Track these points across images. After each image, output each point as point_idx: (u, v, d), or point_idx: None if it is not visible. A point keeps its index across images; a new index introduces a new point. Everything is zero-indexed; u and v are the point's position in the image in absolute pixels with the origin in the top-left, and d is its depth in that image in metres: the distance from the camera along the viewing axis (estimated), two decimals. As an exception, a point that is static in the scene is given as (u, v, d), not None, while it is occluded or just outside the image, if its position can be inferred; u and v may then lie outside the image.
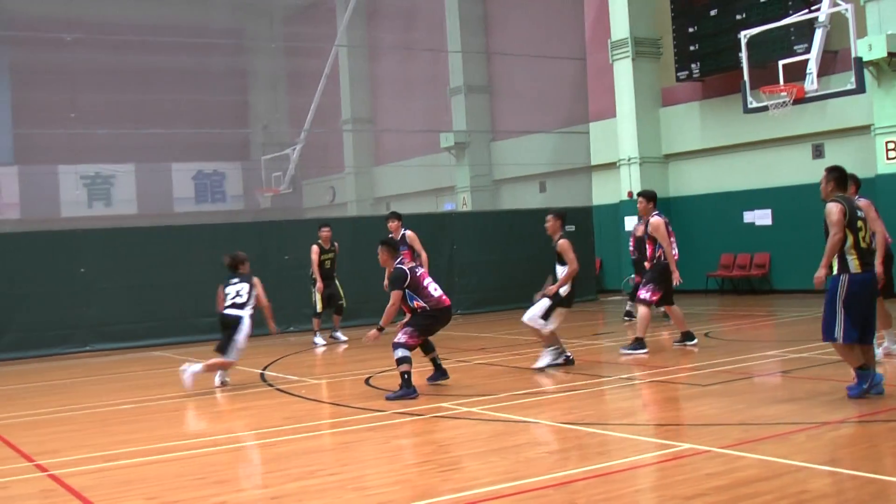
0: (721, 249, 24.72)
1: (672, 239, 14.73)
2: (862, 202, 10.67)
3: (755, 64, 20.97)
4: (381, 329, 11.81)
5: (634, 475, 7.25)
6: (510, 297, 22.88)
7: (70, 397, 13.28)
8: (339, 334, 18.97)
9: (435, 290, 11.99)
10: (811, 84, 19.20)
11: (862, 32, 20.11)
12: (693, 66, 24.71)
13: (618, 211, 26.82)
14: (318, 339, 18.61)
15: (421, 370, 12.50)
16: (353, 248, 22.12)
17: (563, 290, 12.88)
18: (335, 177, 41.22)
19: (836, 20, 19.75)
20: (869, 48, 19.88)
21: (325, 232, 18.88)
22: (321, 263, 18.72)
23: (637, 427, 9.11)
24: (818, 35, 19.59)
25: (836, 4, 19.17)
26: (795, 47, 21.21)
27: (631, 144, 26.36)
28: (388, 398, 11.07)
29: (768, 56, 21.36)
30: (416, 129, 35.20)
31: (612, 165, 27.20)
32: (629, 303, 18.66)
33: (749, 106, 20.47)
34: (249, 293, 13.68)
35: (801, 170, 23.14)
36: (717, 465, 7.26)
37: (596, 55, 27.92)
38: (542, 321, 12.81)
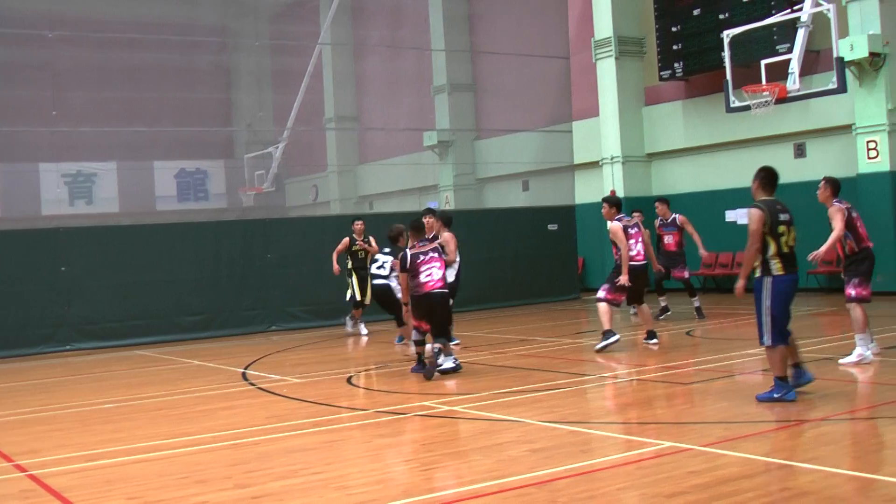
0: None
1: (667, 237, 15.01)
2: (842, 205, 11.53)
3: (738, 63, 21.05)
4: (405, 304, 13.01)
5: (616, 473, 7.26)
6: (494, 295, 22.92)
7: (51, 397, 13.23)
8: (362, 326, 19.45)
9: (426, 276, 12.45)
10: (793, 84, 19.28)
11: (844, 32, 20.20)
12: (676, 65, 24.76)
13: (601, 210, 26.77)
14: (362, 329, 19.32)
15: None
16: (336, 246, 22.12)
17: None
18: (318, 175, 41.14)
19: (819, 20, 19.83)
20: (850, 48, 19.96)
21: (358, 225, 19.19)
22: (354, 253, 18.93)
23: (619, 425, 9.13)
24: (800, 35, 19.66)
25: (818, 4, 19.25)
26: (778, 47, 21.27)
27: (614, 143, 26.39)
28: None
29: (751, 56, 21.44)
30: (400, 128, 35.17)
31: (595, 164, 27.23)
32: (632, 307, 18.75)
33: (732, 105, 20.53)
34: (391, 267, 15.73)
35: (783, 169, 22.91)
36: (699, 463, 7.28)
37: (579, 54, 27.95)
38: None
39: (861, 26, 20.46)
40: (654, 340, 14.65)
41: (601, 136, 26.81)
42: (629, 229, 14.79)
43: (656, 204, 19.38)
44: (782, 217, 9.53)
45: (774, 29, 21.31)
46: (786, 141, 23.25)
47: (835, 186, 12.12)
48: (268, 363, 15.58)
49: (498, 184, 32.08)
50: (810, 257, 11.64)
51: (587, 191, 27.73)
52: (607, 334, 14.23)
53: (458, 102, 33.43)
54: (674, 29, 24.74)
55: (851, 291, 11.74)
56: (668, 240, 18.81)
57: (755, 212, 9.49)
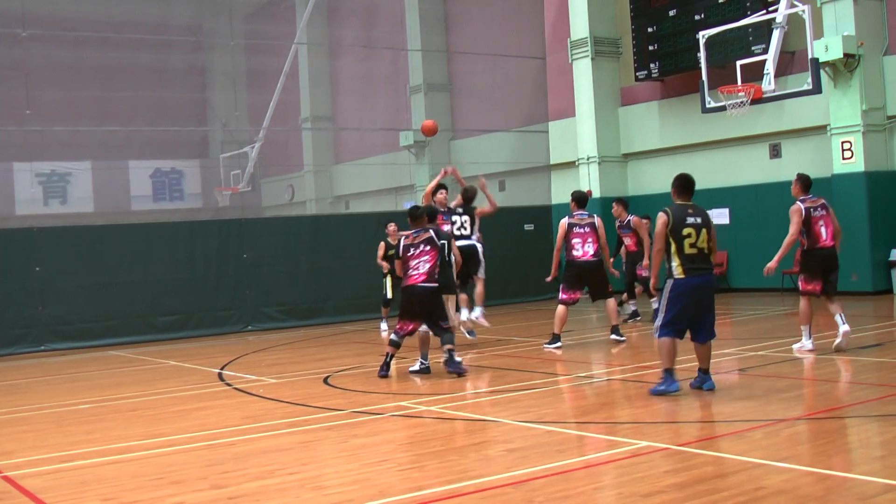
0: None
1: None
2: (816, 202, 12.32)
3: (714, 64, 21.13)
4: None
5: (593, 473, 7.27)
6: (469, 294, 22.89)
7: (25, 397, 13.14)
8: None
9: (413, 269, 12.39)
10: (769, 84, 19.35)
11: (819, 34, 20.30)
12: (652, 65, 24.82)
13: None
14: (384, 325, 19.55)
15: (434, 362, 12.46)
16: (312, 246, 22.11)
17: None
18: (294, 175, 41.07)
19: (794, 21, 19.94)
20: (825, 49, 20.06)
21: (391, 227, 19.51)
22: (390, 258, 18.83)
23: (595, 425, 9.14)
24: (775, 36, 19.74)
25: (793, 6, 19.34)
26: (753, 48, 21.36)
27: (590, 143, 26.44)
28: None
29: (727, 56, 21.53)
30: (376, 128, 35.15)
31: (571, 164, 27.27)
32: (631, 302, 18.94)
33: (707, 106, 20.60)
34: (472, 225, 16.12)
35: (759, 169, 23.32)
36: (675, 462, 7.30)
37: (556, 54, 27.99)
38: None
39: (836, 27, 20.58)
40: (621, 337, 15.02)
41: (577, 136, 26.85)
42: (575, 227, 14.88)
43: (613, 204, 19.44)
44: (689, 220, 9.99)
45: (750, 30, 21.40)
46: (761, 141, 23.35)
47: (804, 183, 12.79)
48: (244, 363, 15.53)
49: (474, 184, 32.03)
50: (764, 271, 12.47)
51: (563, 191, 27.71)
52: (555, 338, 14.84)
53: (433, 102, 33.43)
54: (649, 30, 24.81)
55: (799, 285, 12.79)
56: (627, 241, 18.94)
57: (661, 215, 10.10)
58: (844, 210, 19.51)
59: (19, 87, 30.63)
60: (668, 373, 10.07)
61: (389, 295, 19.22)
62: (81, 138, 34.77)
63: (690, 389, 10.27)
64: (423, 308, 12.45)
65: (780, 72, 20.30)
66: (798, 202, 12.60)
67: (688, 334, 10.27)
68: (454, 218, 16.07)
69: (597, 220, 14.95)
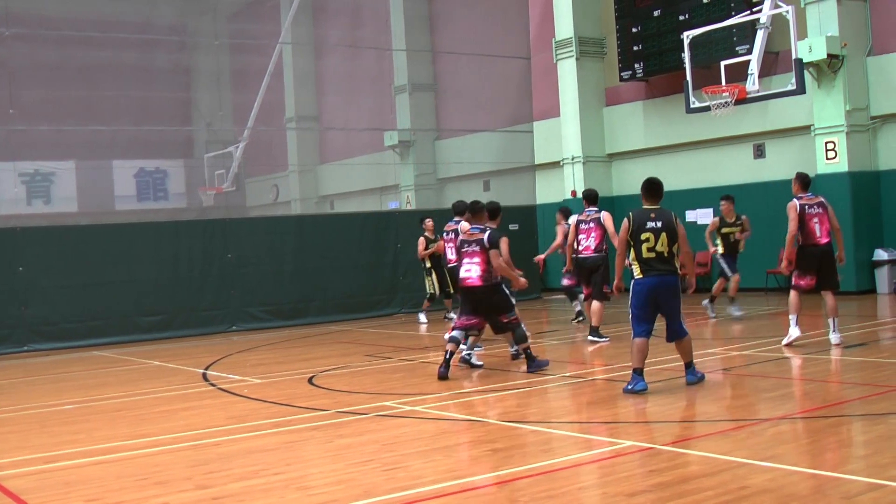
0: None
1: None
2: (814, 200, 13.06)
3: (698, 64, 21.16)
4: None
5: (577, 473, 7.28)
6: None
7: (9, 398, 13.09)
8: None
9: (465, 270, 12.38)
10: (753, 85, 19.41)
11: (802, 34, 20.36)
12: (637, 66, 24.85)
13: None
14: (422, 317, 20.13)
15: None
16: (297, 246, 22.08)
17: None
18: (279, 175, 41.01)
19: (778, 22, 19.98)
20: (809, 50, 20.12)
21: (429, 223, 19.89)
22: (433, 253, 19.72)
23: (580, 425, 9.16)
24: (760, 36, 19.80)
25: (777, 6, 19.39)
26: (737, 48, 21.41)
27: (575, 143, 26.45)
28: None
29: (711, 57, 21.57)
30: (361, 128, 35.12)
31: (556, 164, 27.29)
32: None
33: (692, 106, 20.65)
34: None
35: (743, 169, 23.38)
36: (660, 461, 7.31)
37: (540, 54, 28.01)
38: None
39: (819, 28, 20.64)
40: (600, 339, 15.23)
41: (562, 136, 26.87)
42: (581, 224, 15.43)
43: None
44: (649, 225, 10.36)
45: (734, 30, 21.44)
46: (745, 142, 23.41)
47: (802, 182, 13.35)
48: (228, 364, 15.50)
49: (459, 184, 32.08)
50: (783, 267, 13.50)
51: (548, 191, 27.81)
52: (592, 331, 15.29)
53: (418, 102, 33.43)
54: (634, 30, 24.84)
55: (793, 279, 13.35)
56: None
57: (624, 220, 10.58)
58: (828, 210, 19.59)
59: (2, 87, 30.51)
60: (635, 372, 10.36)
61: (430, 290, 20.01)
62: (65, 138, 34.66)
63: (686, 386, 10.55)
64: (479, 308, 12.41)
65: (765, 72, 20.36)
66: (794, 199, 13.10)
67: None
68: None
69: (603, 216, 15.22)
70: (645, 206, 10.62)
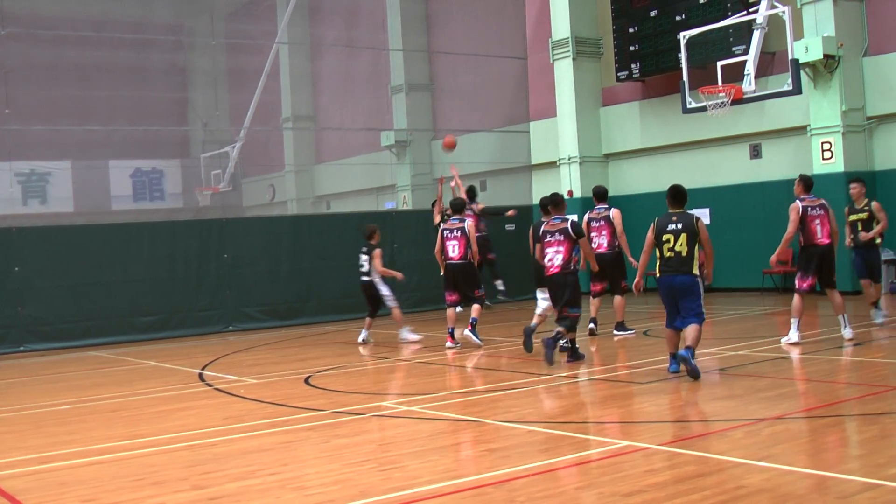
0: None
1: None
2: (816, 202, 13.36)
3: (694, 65, 21.16)
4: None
5: (574, 473, 7.28)
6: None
7: (4, 399, 13.07)
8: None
9: (548, 260, 13.03)
10: (749, 85, 19.41)
11: (799, 34, 20.37)
12: (633, 66, 24.85)
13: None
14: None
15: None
16: (293, 246, 22.06)
17: None
18: (275, 175, 41.02)
19: (774, 22, 20.00)
20: (805, 50, 20.12)
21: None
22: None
23: (576, 425, 9.15)
24: (756, 37, 19.80)
25: (773, 7, 19.39)
26: (734, 49, 21.42)
27: (571, 144, 26.45)
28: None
29: (707, 57, 21.58)
30: (357, 128, 35.13)
31: (552, 164, 27.28)
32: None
33: (688, 106, 20.64)
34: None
35: (739, 170, 23.39)
36: (656, 462, 7.31)
37: (537, 55, 28.00)
38: None
39: (816, 28, 20.65)
40: (628, 332, 15.53)
41: (558, 136, 26.87)
42: (592, 222, 15.58)
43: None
44: (670, 227, 11.21)
45: (730, 31, 21.45)
46: (741, 142, 23.42)
47: (805, 184, 13.67)
48: (224, 364, 15.49)
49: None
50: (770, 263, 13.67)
51: (544, 191, 27.61)
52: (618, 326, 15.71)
53: (415, 102, 33.43)
54: (631, 30, 24.84)
55: (795, 282, 13.62)
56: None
57: (651, 224, 11.47)
58: (824, 210, 19.60)
59: (-2, 86, 30.50)
60: (671, 357, 11.47)
61: None
62: (61, 138, 34.65)
63: (670, 374, 11.39)
64: (555, 296, 13.14)
65: (761, 72, 20.36)
66: (797, 200, 13.41)
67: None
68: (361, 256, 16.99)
69: (612, 213, 15.41)
70: (669, 211, 11.38)
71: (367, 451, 8.27)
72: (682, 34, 20.82)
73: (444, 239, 15.56)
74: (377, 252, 16.68)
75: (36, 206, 37.84)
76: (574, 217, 13.57)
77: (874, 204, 15.16)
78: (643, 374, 11.87)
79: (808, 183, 13.70)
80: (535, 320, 14.46)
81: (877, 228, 14.88)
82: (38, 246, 19.70)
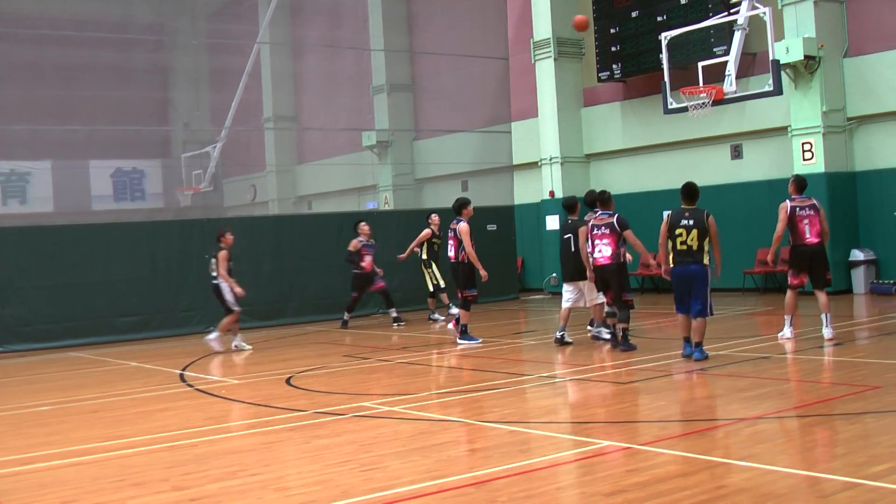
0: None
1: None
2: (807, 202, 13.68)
3: (676, 65, 21.23)
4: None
5: (555, 473, 7.28)
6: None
7: (-16, 399, 13.00)
8: (436, 315, 20.34)
9: (597, 251, 13.88)
10: (730, 86, 19.48)
11: (780, 35, 20.44)
12: (615, 66, 24.90)
13: (539, 210, 26.96)
14: (452, 310, 19.42)
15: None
16: (274, 247, 22.01)
17: None
18: (257, 175, 40.95)
19: (755, 23, 20.07)
20: (786, 51, 20.20)
21: (435, 217, 19.89)
22: (431, 245, 19.89)
23: (558, 425, 9.16)
24: (737, 37, 19.87)
25: (754, 8, 19.47)
26: (715, 49, 21.49)
27: (553, 144, 26.49)
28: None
29: (688, 58, 21.63)
30: (339, 128, 35.09)
31: (534, 165, 27.31)
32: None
33: (669, 107, 20.70)
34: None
35: (720, 170, 23.45)
36: (637, 461, 7.33)
37: (519, 55, 28.03)
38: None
39: (796, 29, 20.73)
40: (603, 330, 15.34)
41: (540, 136, 26.90)
42: (594, 229, 14.48)
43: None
44: (682, 223, 12.31)
45: (711, 31, 21.52)
46: (723, 142, 23.48)
47: (797, 184, 14.04)
48: (205, 364, 15.45)
49: (437, 184, 32.10)
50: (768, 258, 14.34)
51: (526, 191, 27.83)
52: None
53: (396, 102, 33.42)
54: (612, 31, 24.88)
55: (788, 279, 13.91)
56: (368, 260, 20.01)
57: (665, 218, 12.59)
58: (805, 210, 19.68)
59: (-23, 86, 30.37)
60: (684, 340, 12.54)
61: (443, 283, 19.84)
62: (41, 137, 34.50)
63: (681, 357, 12.43)
64: (608, 285, 13.82)
65: (742, 73, 20.44)
66: (787, 200, 13.77)
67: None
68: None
69: (615, 220, 14.73)
70: (682, 206, 12.51)
71: (348, 451, 8.26)
72: (663, 35, 20.88)
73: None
74: (221, 255, 16.90)
75: (16, 206, 37.66)
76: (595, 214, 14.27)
77: None
78: (624, 374, 11.90)
79: (800, 183, 14.02)
80: (560, 323, 14.77)
81: None
82: (17, 246, 19.59)
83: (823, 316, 13.62)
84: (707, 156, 23.90)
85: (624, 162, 25.90)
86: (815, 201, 13.86)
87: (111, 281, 20.10)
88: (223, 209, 40.23)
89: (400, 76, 33.68)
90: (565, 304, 14.77)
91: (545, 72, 26.60)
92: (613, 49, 24.87)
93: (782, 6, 21.00)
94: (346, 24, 36.54)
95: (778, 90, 19.34)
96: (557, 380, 11.99)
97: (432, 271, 19.85)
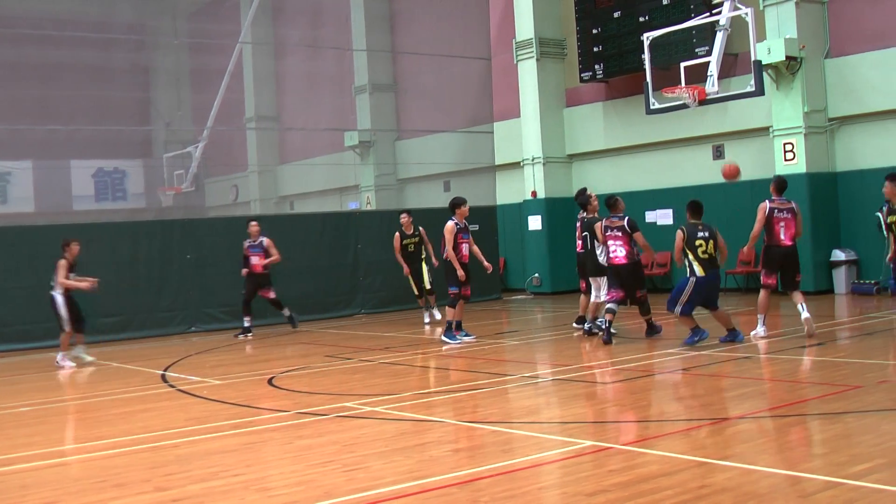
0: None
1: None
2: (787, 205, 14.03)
3: (658, 66, 21.25)
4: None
5: (538, 473, 7.29)
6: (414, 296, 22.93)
7: (-36, 400, 12.93)
8: (435, 311, 19.70)
9: (612, 251, 14.83)
10: (712, 86, 19.51)
11: (761, 36, 20.50)
12: (597, 67, 24.93)
13: (521, 210, 26.98)
14: (436, 314, 19.46)
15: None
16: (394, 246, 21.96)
17: None
18: (238, 175, 40.84)
19: (737, 24, 20.11)
20: (768, 52, 20.26)
21: (404, 218, 19.56)
22: (404, 247, 19.39)
23: (540, 425, 9.17)
24: (719, 38, 19.90)
25: (736, 8, 19.50)
26: (697, 50, 21.54)
27: (535, 144, 26.51)
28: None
29: (670, 58, 21.67)
30: (321, 128, 35.02)
31: (516, 165, 27.33)
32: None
33: (651, 107, 20.72)
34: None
35: (702, 170, 23.51)
36: (619, 461, 7.34)
37: (501, 55, 28.04)
38: None
39: (778, 30, 20.79)
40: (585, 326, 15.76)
41: (522, 136, 26.92)
42: (608, 230, 14.95)
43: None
44: (700, 234, 13.41)
45: (693, 32, 21.55)
46: (704, 143, 23.54)
47: (777, 185, 14.34)
48: (187, 365, 15.41)
49: (419, 184, 32.09)
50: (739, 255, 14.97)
51: (508, 191, 27.84)
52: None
53: (379, 103, 33.37)
54: (594, 31, 24.91)
55: (761, 278, 14.28)
56: (255, 261, 19.56)
57: (678, 232, 13.63)
58: (786, 211, 19.73)
59: (-43, 86, 30.23)
60: (695, 329, 13.50)
61: (428, 285, 19.45)
62: (22, 137, 34.31)
63: (720, 343, 13.39)
64: (625, 283, 14.72)
65: (724, 74, 20.47)
66: (766, 200, 14.01)
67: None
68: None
69: (626, 222, 14.92)
70: (691, 221, 13.62)
71: (331, 451, 8.24)
72: (645, 35, 20.89)
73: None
74: (61, 263, 16.31)
75: (-5, 206, 37.48)
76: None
77: None
78: (607, 374, 11.92)
79: (780, 185, 14.31)
80: (590, 315, 15.51)
81: None
82: (-2, 247, 19.49)
83: (800, 305, 13.85)
84: (689, 156, 23.96)
85: (606, 162, 25.94)
86: (794, 205, 14.16)
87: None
88: (205, 209, 40.11)
89: (382, 76, 33.64)
90: (595, 298, 15.54)
91: (527, 72, 26.62)
92: (596, 49, 24.90)
93: (764, 7, 21.07)
94: (328, 24, 36.48)
95: (760, 91, 19.39)
96: (540, 380, 12.00)
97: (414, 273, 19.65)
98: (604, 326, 14.55)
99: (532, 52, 26.30)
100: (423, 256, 19.52)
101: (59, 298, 16.14)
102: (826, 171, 21.22)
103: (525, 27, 26.53)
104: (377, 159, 33.03)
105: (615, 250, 14.71)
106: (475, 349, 15.00)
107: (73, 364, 16.09)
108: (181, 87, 42.25)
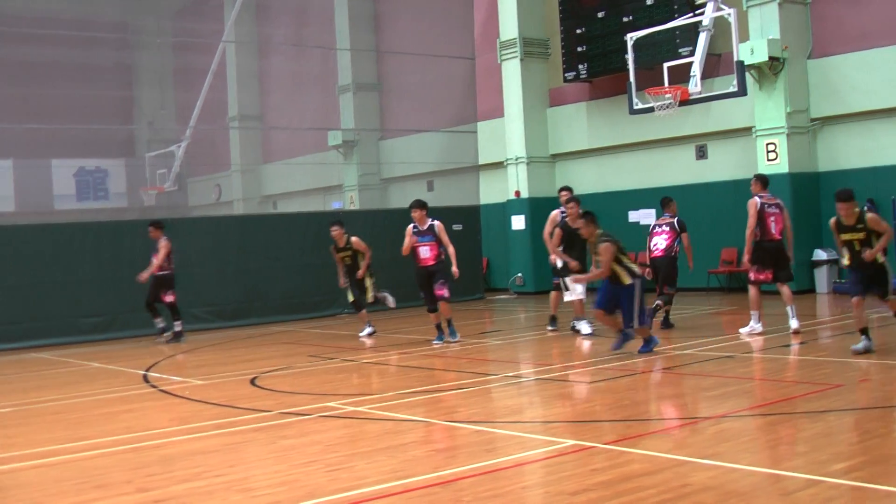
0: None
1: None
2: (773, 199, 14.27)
3: (641, 66, 21.29)
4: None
5: (521, 472, 7.29)
6: (399, 295, 22.85)
7: (-55, 400, 12.86)
8: (367, 328, 17.77)
9: (654, 245, 15.88)
10: (695, 86, 19.58)
11: (744, 37, 20.57)
12: (581, 67, 24.96)
13: (505, 210, 26.98)
14: (368, 329, 17.69)
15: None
16: (240, 247, 21.90)
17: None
18: (222, 175, 40.78)
19: (720, 24, 20.19)
20: (751, 52, 20.33)
21: (333, 231, 17.84)
22: (342, 261, 17.78)
23: (523, 424, 9.17)
24: (702, 38, 19.98)
25: (719, 9, 19.58)
26: (680, 50, 21.58)
27: (519, 144, 26.53)
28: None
29: (654, 58, 21.71)
30: (305, 127, 34.99)
31: (499, 165, 27.35)
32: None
33: (635, 107, 20.76)
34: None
35: (685, 170, 23.57)
36: (602, 460, 7.34)
37: (485, 55, 28.05)
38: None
39: (761, 31, 20.86)
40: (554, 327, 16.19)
41: (506, 136, 26.94)
42: (656, 227, 16.17)
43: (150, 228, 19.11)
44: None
45: (677, 32, 21.61)
46: (688, 143, 23.60)
47: (762, 182, 14.52)
48: (169, 365, 15.36)
49: (403, 184, 32.08)
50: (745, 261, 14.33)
51: (492, 191, 27.86)
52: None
53: (363, 102, 33.37)
54: (578, 31, 24.95)
55: (751, 275, 14.21)
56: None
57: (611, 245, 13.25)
58: (768, 211, 19.80)
59: (-62, 84, 30.07)
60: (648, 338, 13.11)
61: (370, 295, 17.78)
62: (2, 136, 34.22)
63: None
64: (655, 272, 15.48)
65: (707, 74, 20.54)
66: (756, 197, 14.13)
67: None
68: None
69: (677, 221, 15.90)
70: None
71: (314, 451, 8.23)
72: (629, 35, 20.95)
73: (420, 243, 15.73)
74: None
75: (-24, 205, 37.32)
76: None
77: (870, 216, 12.09)
78: (589, 373, 11.93)
79: (764, 181, 14.54)
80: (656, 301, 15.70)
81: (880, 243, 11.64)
82: (-22, 246, 19.39)
83: (789, 308, 13.98)
84: (672, 156, 24.02)
85: (590, 162, 25.97)
86: (779, 200, 14.40)
87: (74, 281, 19.93)
88: (187, 209, 40.05)
89: (366, 75, 33.63)
90: (569, 297, 15.72)
91: (511, 72, 26.64)
92: (579, 49, 24.94)
93: (747, 8, 21.14)
94: (312, 23, 36.45)
95: (742, 91, 19.45)
96: (523, 379, 12.01)
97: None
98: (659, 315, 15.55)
99: (516, 51, 26.33)
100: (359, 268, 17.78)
101: None
102: (808, 171, 21.30)
103: (509, 27, 26.56)
104: (361, 159, 33.02)
105: (656, 244, 15.62)
106: (459, 349, 15.00)
107: None
108: (164, 85, 42.16)
